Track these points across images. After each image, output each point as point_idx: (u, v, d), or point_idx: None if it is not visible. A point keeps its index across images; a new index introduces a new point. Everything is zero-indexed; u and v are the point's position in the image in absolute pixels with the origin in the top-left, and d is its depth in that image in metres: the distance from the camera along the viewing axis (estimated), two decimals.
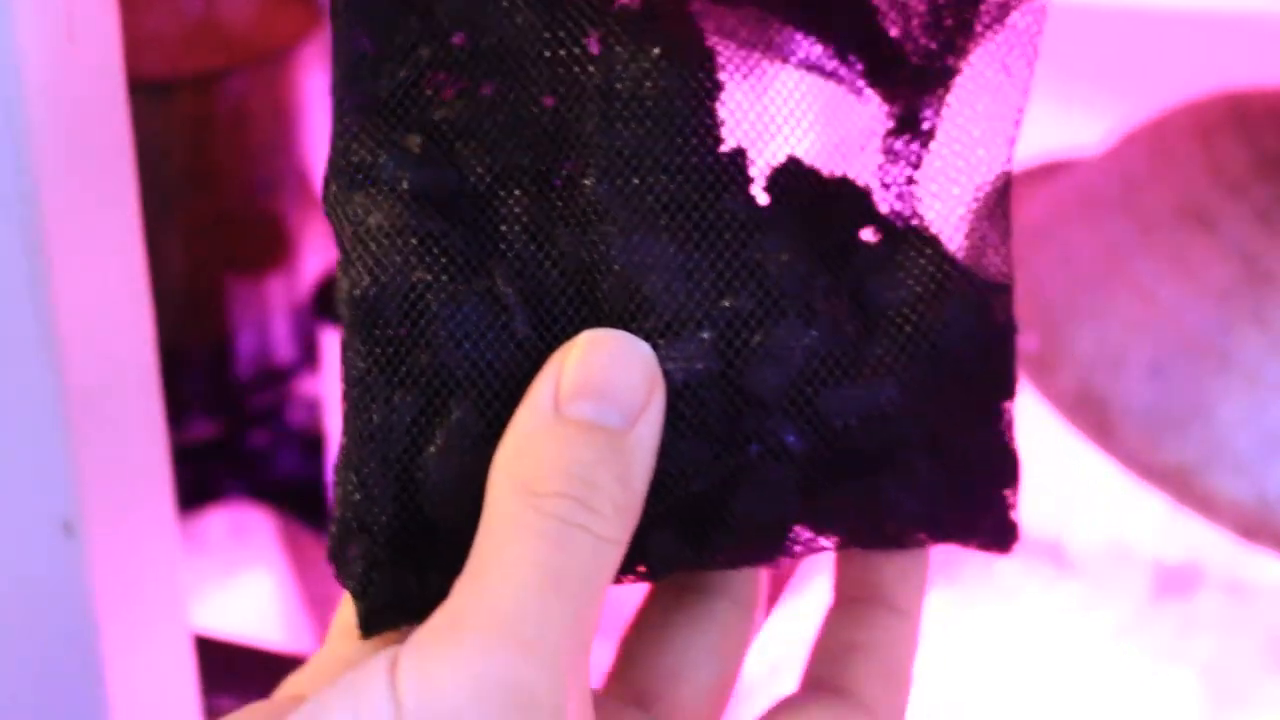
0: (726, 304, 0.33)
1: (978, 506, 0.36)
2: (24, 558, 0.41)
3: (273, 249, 0.80)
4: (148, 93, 0.74)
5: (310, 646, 0.85)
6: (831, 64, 0.36)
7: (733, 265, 0.33)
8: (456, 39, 0.34)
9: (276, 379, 0.83)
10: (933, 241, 0.35)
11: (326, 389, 0.77)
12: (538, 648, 0.29)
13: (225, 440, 0.82)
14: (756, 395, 0.33)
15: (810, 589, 0.74)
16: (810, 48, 0.36)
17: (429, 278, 0.33)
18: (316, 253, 0.82)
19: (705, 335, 0.33)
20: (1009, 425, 0.36)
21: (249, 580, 0.82)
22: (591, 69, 0.34)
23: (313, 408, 0.83)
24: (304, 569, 0.85)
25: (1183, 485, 0.67)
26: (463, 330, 0.33)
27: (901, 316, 0.34)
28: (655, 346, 0.33)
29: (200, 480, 0.81)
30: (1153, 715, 0.75)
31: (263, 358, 0.82)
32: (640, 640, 0.37)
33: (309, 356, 0.82)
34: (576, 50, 0.34)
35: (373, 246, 0.33)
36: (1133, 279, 0.71)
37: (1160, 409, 0.68)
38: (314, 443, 0.80)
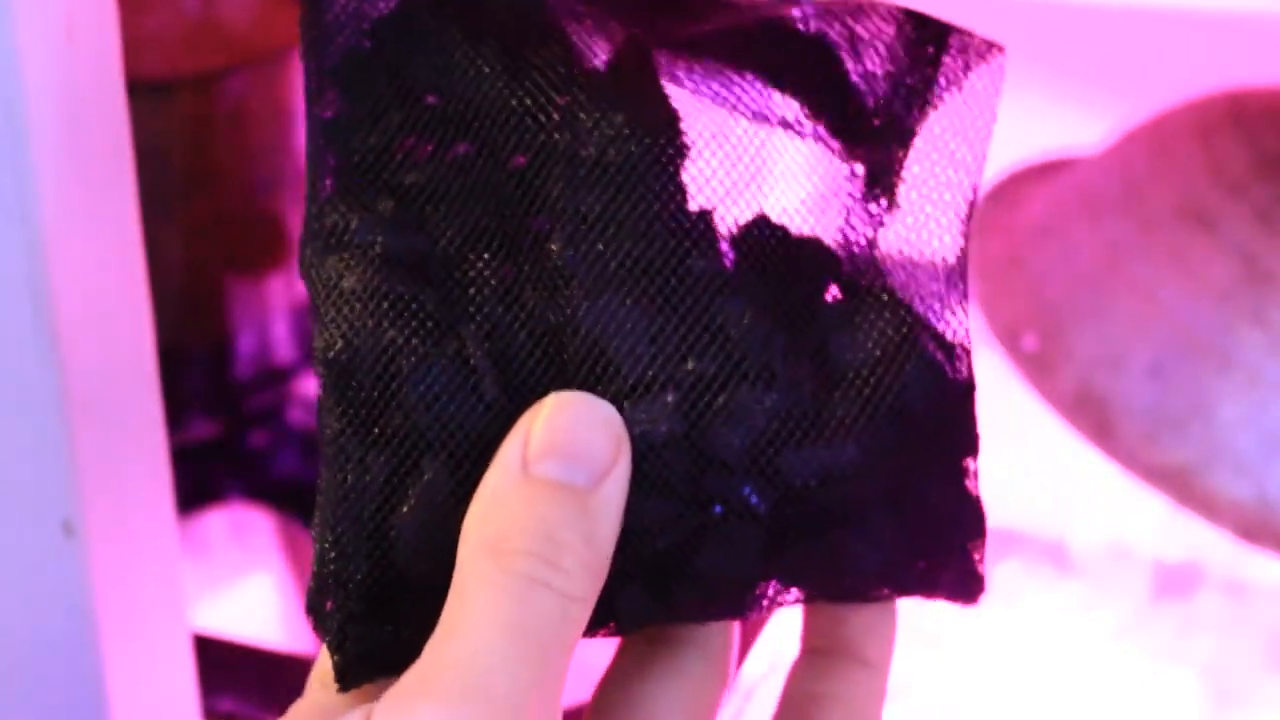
0: (690, 367, 0.34)
1: (941, 560, 0.37)
2: (24, 558, 0.41)
3: (273, 249, 0.80)
4: (148, 93, 0.74)
5: (309, 647, 0.85)
6: (796, 121, 0.37)
7: (695, 328, 0.34)
8: (429, 99, 0.35)
9: (276, 379, 0.83)
10: (893, 301, 0.36)
11: None
12: (505, 704, 0.30)
13: (225, 440, 0.82)
14: (719, 456, 0.34)
15: None
16: (776, 104, 0.36)
17: (400, 341, 0.34)
18: None
19: (669, 398, 0.34)
20: (973, 479, 0.37)
21: (249, 580, 0.82)
22: (557, 135, 0.35)
23: (313, 408, 0.83)
24: (303, 569, 0.85)
25: (1183, 485, 0.67)
26: (433, 392, 0.33)
27: (860, 378, 0.35)
28: (621, 408, 0.33)
29: (200, 480, 0.81)
30: (1153, 715, 0.75)
31: (263, 358, 0.82)
32: (612, 693, 0.37)
33: (309, 356, 0.82)
34: (542, 116, 0.35)
35: (345, 310, 0.34)
36: (1133, 279, 0.71)
37: (1160, 409, 0.68)
38: (314, 443, 0.80)
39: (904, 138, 0.36)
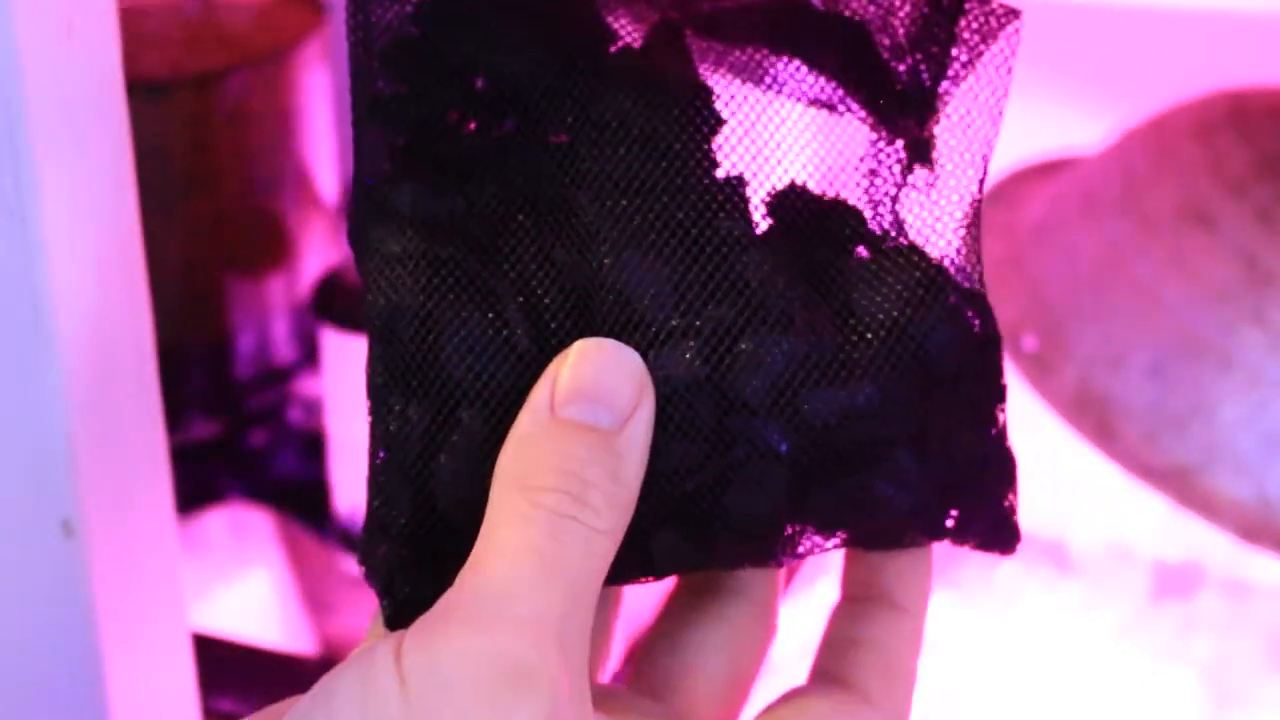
0: (710, 314, 0.36)
1: (974, 506, 0.38)
2: (24, 557, 0.41)
3: (273, 249, 0.80)
4: (148, 93, 0.74)
5: (309, 646, 0.85)
6: (827, 93, 0.38)
7: (715, 278, 0.36)
8: (478, 81, 0.37)
9: (276, 379, 0.82)
10: (918, 256, 0.37)
11: (326, 389, 0.77)
12: (531, 627, 0.31)
13: (225, 440, 0.82)
14: (740, 399, 0.35)
15: (813, 590, 0.74)
16: (807, 80, 0.38)
17: (438, 299, 0.35)
18: (316, 253, 0.82)
19: (691, 344, 0.35)
20: (1002, 429, 0.38)
21: (249, 580, 0.82)
22: (594, 112, 0.37)
23: (313, 408, 0.83)
24: (303, 569, 0.85)
25: (1183, 485, 0.67)
26: (468, 346, 0.35)
27: (881, 324, 0.36)
28: (646, 356, 0.35)
29: (200, 480, 0.81)
30: (1153, 715, 0.75)
31: (262, 358, 0.82)
32: (659, 637, 0.39)
33: (309, 356, 0.82)
34: (581, 95, 0.37)
35: (389, 272, 0.36)
36: (1133, 279, 0.71)
37: (1160, 409, 0.68)
38: (314, 443, 0.80)
39: (928, 103, 0.38)
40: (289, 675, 0.66)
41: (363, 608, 0.87)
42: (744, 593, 0.39)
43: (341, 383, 0.75)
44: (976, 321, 0.38)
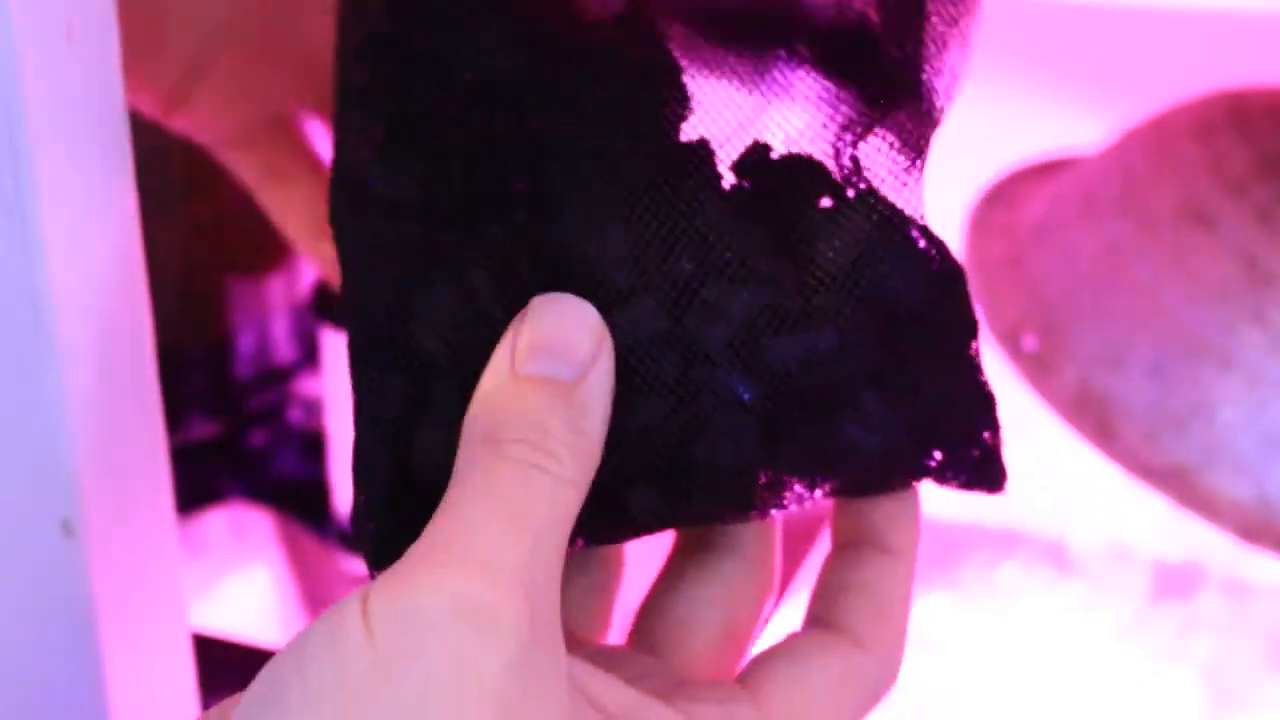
0: (669, 269, 0.36)
1: (953, 445, 0.39)
2: (24, 557, 0.41)
3: (273, 249, 0.80)
4: None
5: None
6: (799, 67, 0.39)
7: (674, 235, 0.37)
8: (452, 73, 0.38)
9: (276, 379, 0.82)
10: (875, 200, 0.38)
11: (326, 389, 0.77)
12: (494, 570, 0.31)
13: (225, 440, 0.82)
14: (703, 351, 0.36)
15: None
16: (781, 58, 0.40)
17: (409, 274, 0.36)
18: None
19: (650, 300, 0.36)
20: (975, 364, 0.39)
21: (248, 580, 0.82)
22: (566, 91, 0.38)
23: (313, 408, 0.83)
24: (303, 569, 0.85)
25: (1183, 486, 0.67)
26: (439, 318, 0.36)
27: (838, 268, 0.37)
28: (609, 315, 0.36)
29: (200, 480, 0.81)
30: (1153, 715, 0.75)
31: (262, 358, 0.82)
32: (657, 595, 0.40)
33: (309, 356, 0.82)
34: (550, 72, 0.38)
35: (363, 252, 0.37)
36: (1133, 279, 0.71)
37: (1160, 409, 0.68)
38: (314, 443, 0.80)
39: (897, 68, 0.39)
40: None
41: None
42: (738, 549, 0.40)
43: (341, 383, 0.75)
44: (934, 256, 0.38)
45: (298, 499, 0.80)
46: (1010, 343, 0.73)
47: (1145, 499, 0.69)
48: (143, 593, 0.44)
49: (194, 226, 0.78)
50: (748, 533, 0.40)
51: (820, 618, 0.39)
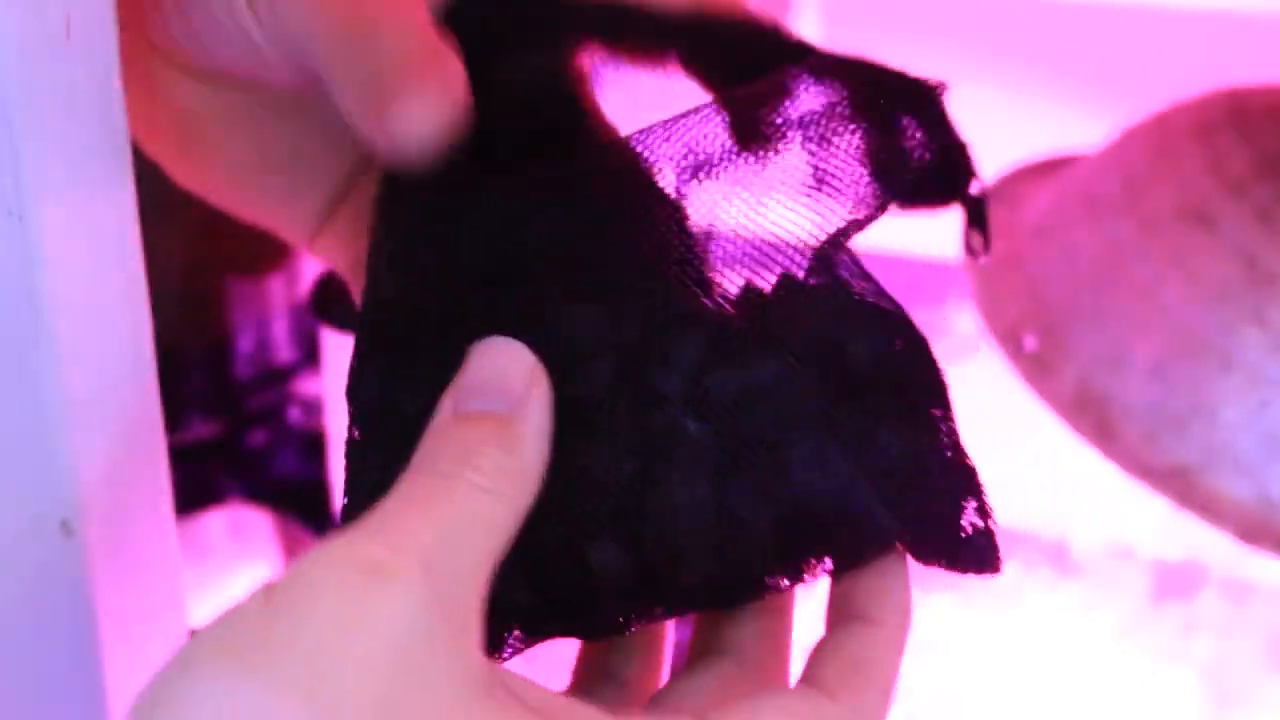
0: (629, 331, 0.38)
1: (933, 517, 0.39)
2: (23, 557, 0.41)
3: (273, 249, 0.80)
4: None
5: None
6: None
7: (637, 313, 0.38)
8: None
9: (276, 379, 0.82)
10: (841, 284, 0.39)
11: (326, 389, 0.77)
12: (394, 542, 0.32)
13: (225, 440, 0.82)
14: (658, 393, 0.37)
15: (813, 591, 0.74)
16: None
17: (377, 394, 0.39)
18: None
19: (610, 356, 0.37)
20: (953, 436, 0.38)
21: (248, 580, 0.82)
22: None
23: (313, 408, 0.83)
24: None
25: (1184, 486, 0.67)
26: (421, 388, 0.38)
27: (792, 325, 0.38)
28: (573, 372, 0.37)
29: (200, 480, 0.81)
30: (1153, 715, 0.75)
31: (262, 358, 0.81)
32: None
33: (309, 356, 0.82)
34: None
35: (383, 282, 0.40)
36: (1133, 279, 0.71)
37: (1160, 409, 0.68)
38: (313, 443, 0.80)
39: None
40: None
41: None
42: (743, 654, 0.39)
43: (341, 383, 0.75)
44: (896, 315, 0.39)
45: (297, 499, 0.80)
46: (1010, 343, 0.73)
47: (1145, 499, 0.69)
48: (143, 593, 0.44)
49: (194, 226, 0.77)
50: (753, 638, 0.39)
51: (802, 677, 0.38)
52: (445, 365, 0.37)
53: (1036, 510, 0.84)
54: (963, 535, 0.38)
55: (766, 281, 0.39)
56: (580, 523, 0.37)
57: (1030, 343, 0.72)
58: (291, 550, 0.83)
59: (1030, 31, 0.96)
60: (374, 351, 0.40)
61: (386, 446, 0.38)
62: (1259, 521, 0.66)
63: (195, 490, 0.80)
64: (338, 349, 0.74)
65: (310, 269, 0.83)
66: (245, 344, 0.81)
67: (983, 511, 0.39)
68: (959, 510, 0.38)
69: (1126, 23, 0.96)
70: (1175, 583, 0.80)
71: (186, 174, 0.45)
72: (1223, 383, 0.67)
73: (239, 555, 0.83)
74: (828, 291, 0.39)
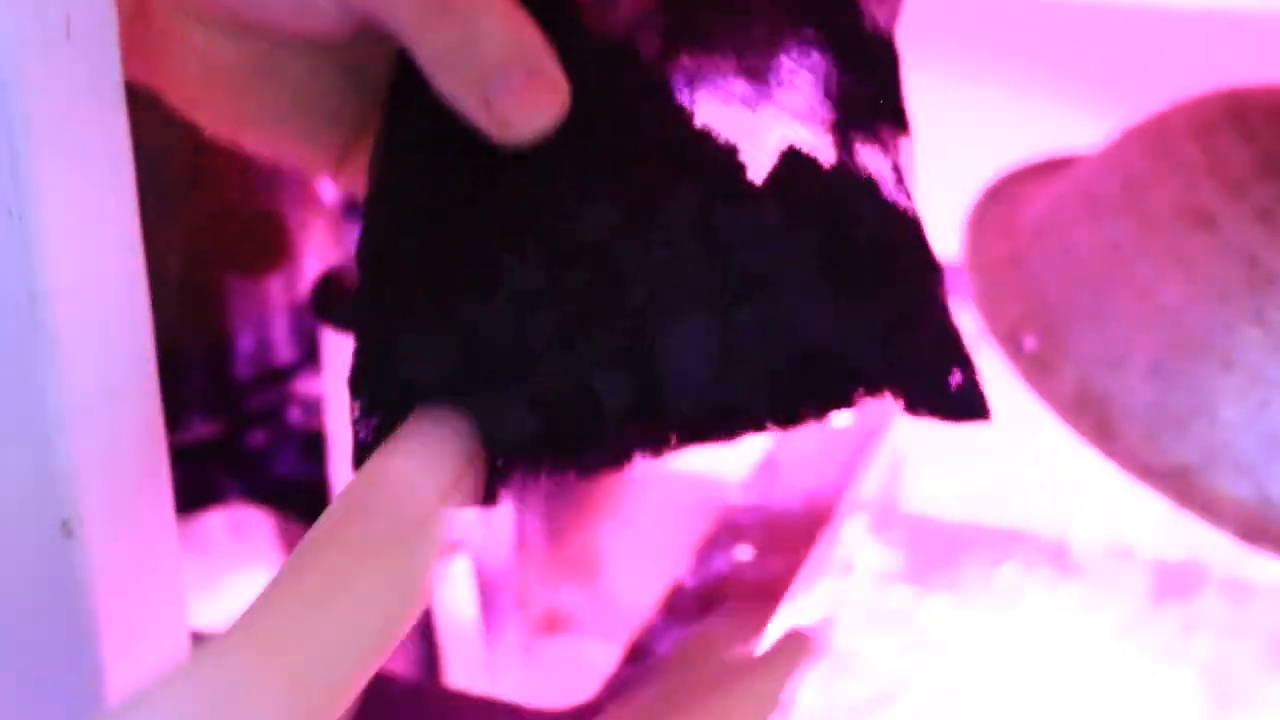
0: (629, 179, 0.40)
1: (925, 368, 0.40)
2: (23, 558, 0.41)
3: (273, 249, 0.80)
4: (148, 92, 0.74)
5: None
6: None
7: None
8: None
9: (276, 379, 0.82)
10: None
11: (326, 389, 0.77)
12: (261, 656, 0.33)
13: (225, 440, 0.82)
14: (666, 226, 0.39)
15: (812, 592, 0.74)
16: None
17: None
18: (316, 253, 0.82)
19: (613, 204, 0.39)
20: (943, 305, 0.41)
21: (248, 580, 0.82)
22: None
23: (313, 408, 0.83)
24: None
25: (1184, 486, 0.67)
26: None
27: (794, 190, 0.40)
28: (576, 210, 0.39)
29: (200, 480, 0.81)
30: (1153, 715, 0.75)
31: (262, 358, 0.81)
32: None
33: (309, 356, 0.82)
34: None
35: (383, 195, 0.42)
36: (1133, 279, 0.71)
37: (1160, 409, 0.68)
38: (314, 443, 0.80)
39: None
40: None
41: None
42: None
43: (341, 382, 0.75)
44: (899, 197, 0.41)
45: (298, 499, 0.80)
46: (1010, 343, 0.73)
47: (1145, 499, 0.69)
48: (143, 593, 0.44)
49: (194, 226, 0.77)
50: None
51: None
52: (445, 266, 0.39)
53: (1036, 510, 0.84)
54: (952, 387, 0.40)
55: (770, 152, 0.41)
56: (590, 351, 0.37)
57: (1030, 343, 0.72)
58: (291, 550, 0.83)
59: (1030, 31, 0.96)
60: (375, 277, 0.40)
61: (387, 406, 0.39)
62: (1259, 521, 0.66)
63: (195, 490, 0.80)
64: (338, 349, 0.74)
65: (310, 269, 0.83)
66: (245, 344, 0.81)
67: (969, 368, 0.41)
68: (949, 367, 0.40)
69: (1126, 23, 0.96)
70: (1175, 583, 0.80)
71: (212, 122, 0.46)
72: (1223, 383, 0.67)
73: (239, 555, 0.83)
74: (839, 173, 0.41)
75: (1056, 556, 0.82)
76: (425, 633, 0.75)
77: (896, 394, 0.40)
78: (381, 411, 0.38)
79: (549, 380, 0.37)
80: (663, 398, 0.38)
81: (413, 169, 0.41)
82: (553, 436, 0.37)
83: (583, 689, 0.61)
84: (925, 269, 0.40)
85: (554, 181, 0.39)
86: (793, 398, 0.39)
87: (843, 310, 0.39)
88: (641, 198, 0.39)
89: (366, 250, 0.40)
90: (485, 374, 0.37)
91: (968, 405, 0.40)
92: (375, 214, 0.41)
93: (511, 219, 0.39)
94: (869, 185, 0.40)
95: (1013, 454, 0.79)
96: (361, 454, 0.38)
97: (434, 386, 0.38)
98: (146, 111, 0.70)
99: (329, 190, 0.84)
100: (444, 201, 0.40)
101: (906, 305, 0.40)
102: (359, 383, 0.39)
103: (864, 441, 0.75)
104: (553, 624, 0.86)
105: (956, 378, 0.40)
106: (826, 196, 0.40)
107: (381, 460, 0.36)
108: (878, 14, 0.43)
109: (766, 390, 0.39)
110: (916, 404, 0.40)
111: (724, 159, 0.40)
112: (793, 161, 0.41)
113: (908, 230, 0.41)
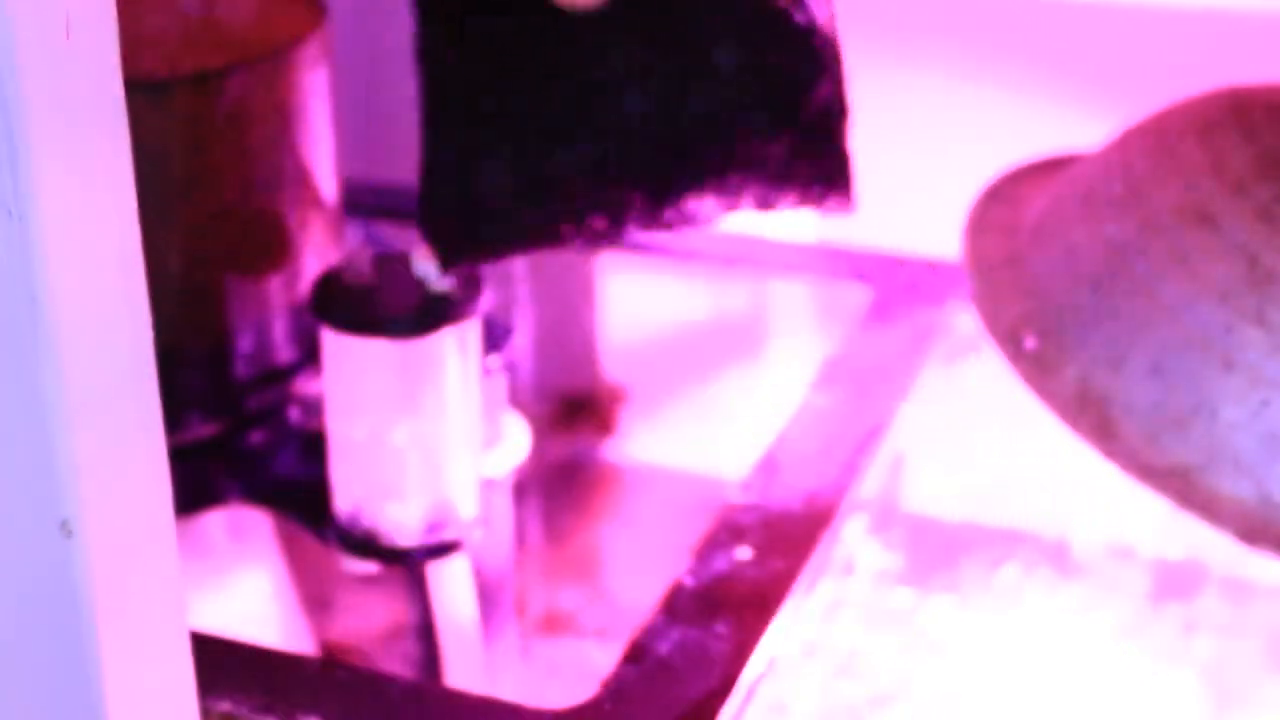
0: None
1: (804, 131, 0.53)
2: (22, 558, 0.41)
3: (273, 249, 0.80)
4: (147, 92, 0.74)
5: (309, 646, 0.85)
6: None
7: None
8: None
9: (276, 379, 0.82)
10: None
11: (326, 389, 0.77)
12: None
13: (225, 440, 0.82)
14: (608, 18, 0.54)
15: (813, 592, 0.74)
16: None
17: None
18: (316, 253, 0.82)
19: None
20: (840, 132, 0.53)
21: (249, 580, 0.82)
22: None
23: (312, 408, 0.83)
24: (302, 569, 0.85)
25: (1184, 486, 0.67)
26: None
27: None
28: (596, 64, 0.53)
29: (200, 480, 0.81)
30: (1153, 715, 0.75)
31: (262, 358, 0.81)
32: None
33: (309, 356, 0.82)
34: None
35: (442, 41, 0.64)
36: (1133, 279, 0.71)
37: (1161, 409, 0.68)
38: (314, 443, 0.80)
39: None
40: (289, 675, 0.66)
41: (363, 608, 0.87)
42: None
43: (341, 383, 0.75)
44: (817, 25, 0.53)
45: (297, 499, 0.80)
46: (1010, 343, 0.73)
47: (1145, 499, 0.69)
48: (143, 593, 0.44)
49: (193, 226, 0.77)
50: None
51: None
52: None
53: (1037, 510, 0.84)
54: (826, 155, 0.53)
55: None
56: (557, 121, 0.50)
57: (1030, 343, 0.72)
58: (291, 550, 0.83)
59: (1030, 31, 0.96)
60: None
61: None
62: (1259, 521, 0.66)
63: (195, 490, 0.80)
64: (338, 349, 0.74)
65: (310, 269, 0.82)
66: (245, 344, 0.81)
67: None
68: (830, 143, 0.53)
69: (1126, 23, 0.96)
70: (1175, 583, 0.80)
71: None
72: (1223, 383, 0.67)
73: (239, 555, 0.83)
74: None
75: (1057, 557, 0.82)
76: (425, 633, 0.75)
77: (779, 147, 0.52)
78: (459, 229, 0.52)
79: (525, 140, 0.52)
80: (617, 165, 0.51)
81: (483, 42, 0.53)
82: (527, 189, 0.51)
83: (583, 689, 0.61)
84: (835, 107, 0.51)
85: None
86: (721, 155, 0.52)
87: (747, 68, 0.50)
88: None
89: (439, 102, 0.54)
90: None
91: (837, 183, 0.51)
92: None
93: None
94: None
95: (1013, 454, 0.79)
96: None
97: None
98: (147, 111, 0.71)
99: (329, 190, 0.84)
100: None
101: (807, 100, 0.51)
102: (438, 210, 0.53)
103: (864, 441, 0.75)
104: (553, 624, 0.86)
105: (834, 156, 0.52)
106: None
107: None
108: None
109: (701, 149, 0.51)
110: (789, 176, 0.49)
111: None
112: None
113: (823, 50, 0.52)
